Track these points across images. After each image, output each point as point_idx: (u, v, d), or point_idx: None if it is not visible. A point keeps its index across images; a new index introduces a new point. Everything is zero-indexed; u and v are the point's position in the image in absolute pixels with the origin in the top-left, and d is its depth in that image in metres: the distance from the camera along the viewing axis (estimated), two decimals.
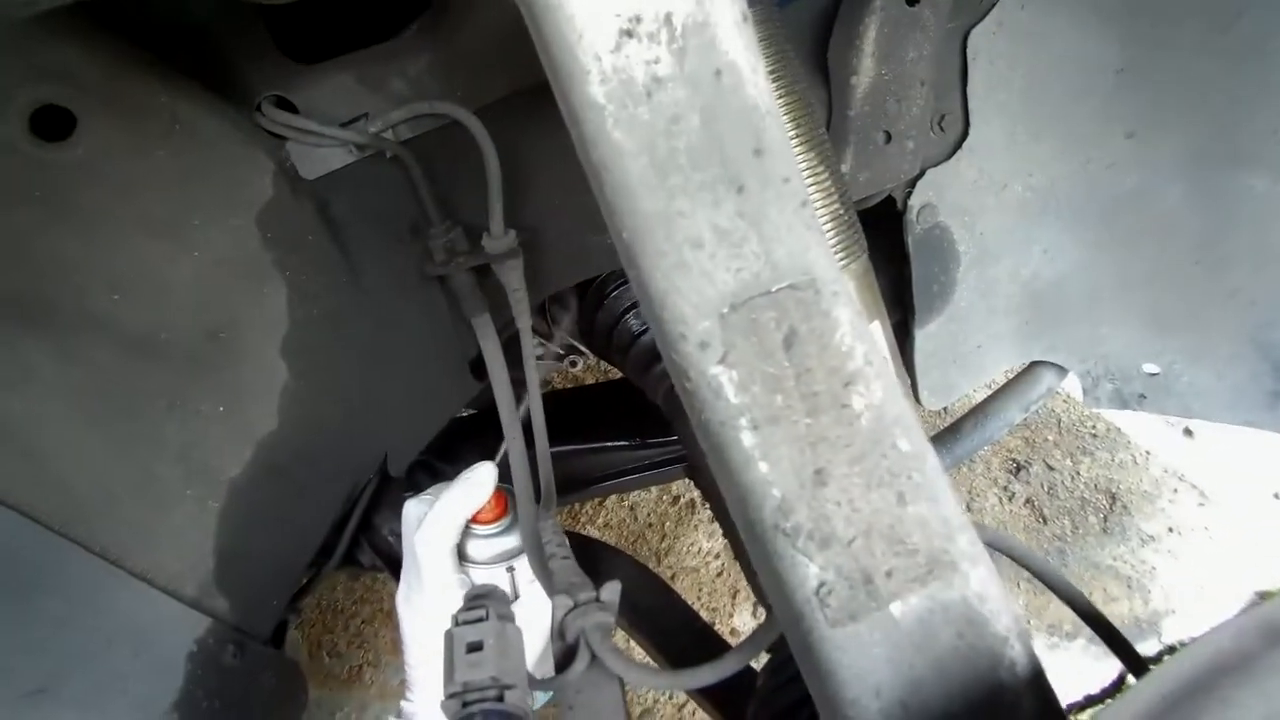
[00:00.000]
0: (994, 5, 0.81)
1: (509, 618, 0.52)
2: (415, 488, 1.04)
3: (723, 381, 0.39)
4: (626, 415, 1.13)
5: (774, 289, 0.39)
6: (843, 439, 0.39)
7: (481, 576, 0.80)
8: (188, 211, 0.72)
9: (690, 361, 0.39)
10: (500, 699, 0.45)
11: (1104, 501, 1.74)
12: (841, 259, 0.66)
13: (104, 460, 0.75)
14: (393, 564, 1.05)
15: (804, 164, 0.62)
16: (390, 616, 1.72)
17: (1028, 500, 1.78)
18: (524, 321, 0.73)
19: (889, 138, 0.78)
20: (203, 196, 0.71)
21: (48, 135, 0.61)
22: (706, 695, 0.88)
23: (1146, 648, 1.58)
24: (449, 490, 0.79)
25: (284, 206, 0.73)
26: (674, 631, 0.97)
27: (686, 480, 1.94)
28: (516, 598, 0.80)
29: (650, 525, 1.76)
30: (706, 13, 0.37)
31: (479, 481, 0.78)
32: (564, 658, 0.48)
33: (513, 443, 0.73)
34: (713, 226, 0.39)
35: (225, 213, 0.72)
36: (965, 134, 0.85)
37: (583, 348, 1.11)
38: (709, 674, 0.45)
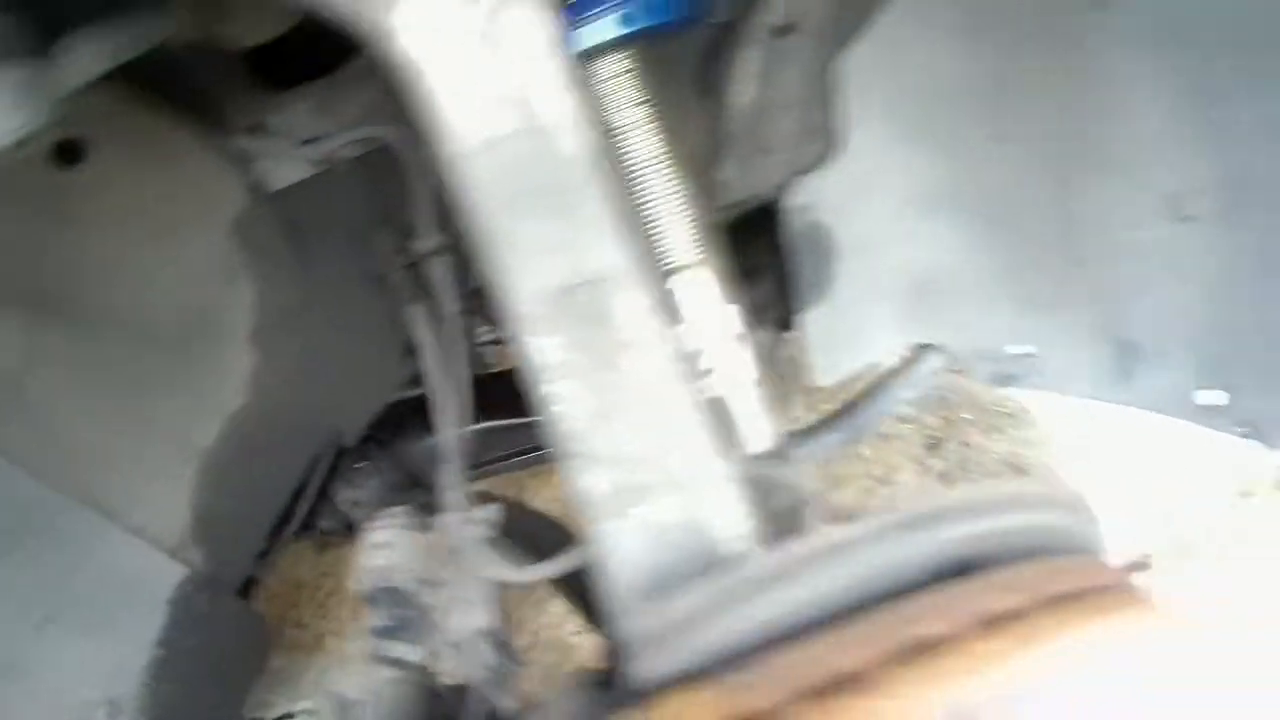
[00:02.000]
0: (859, 35, 0.92)
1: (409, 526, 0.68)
2: (366, 459, 1.19)
3: (544, 347, 0.54)
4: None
5: (585, 283, 0.55)
6: (623, 391, 0.55)
7: None
8: (174, 222, 0.88)
9: (524, 333, 0.55)
10: (397, 579, 0.61)
11: (1011, 474, 1.91)
12: (698, 251, 0.79)
13: (104, 430, 0.91)
14: (351, 530, 1.21)
15: (653, 182, 0.76)
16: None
17: (941, 474, 1.94)
18: (450, 309, 0.89)
19: (766, 150, 0.94)
20: (187, 210, 0.87)
21: (62, 160, 0.77)
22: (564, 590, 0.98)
23: None
24: None
25: (253, 216, 0.88)
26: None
27: None
28: None
29: None
30: (532, 88, 0.53)
31: None
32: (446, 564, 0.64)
33: (444, 414, 0.88)
34: (539, 239, 0.55)
35: (205, 223, 0.88)
36: (838, 143, 0.98)
37: None
38: (546, 569, 0.61)
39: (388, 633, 0.59)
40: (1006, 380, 1.18)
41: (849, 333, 1.12)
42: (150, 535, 0.97)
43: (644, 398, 0.55)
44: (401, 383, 1.03)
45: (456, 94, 0.52)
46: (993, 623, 0.42)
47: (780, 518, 0.75)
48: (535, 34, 0.52)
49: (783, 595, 0.43)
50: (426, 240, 0.86)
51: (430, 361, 0.91)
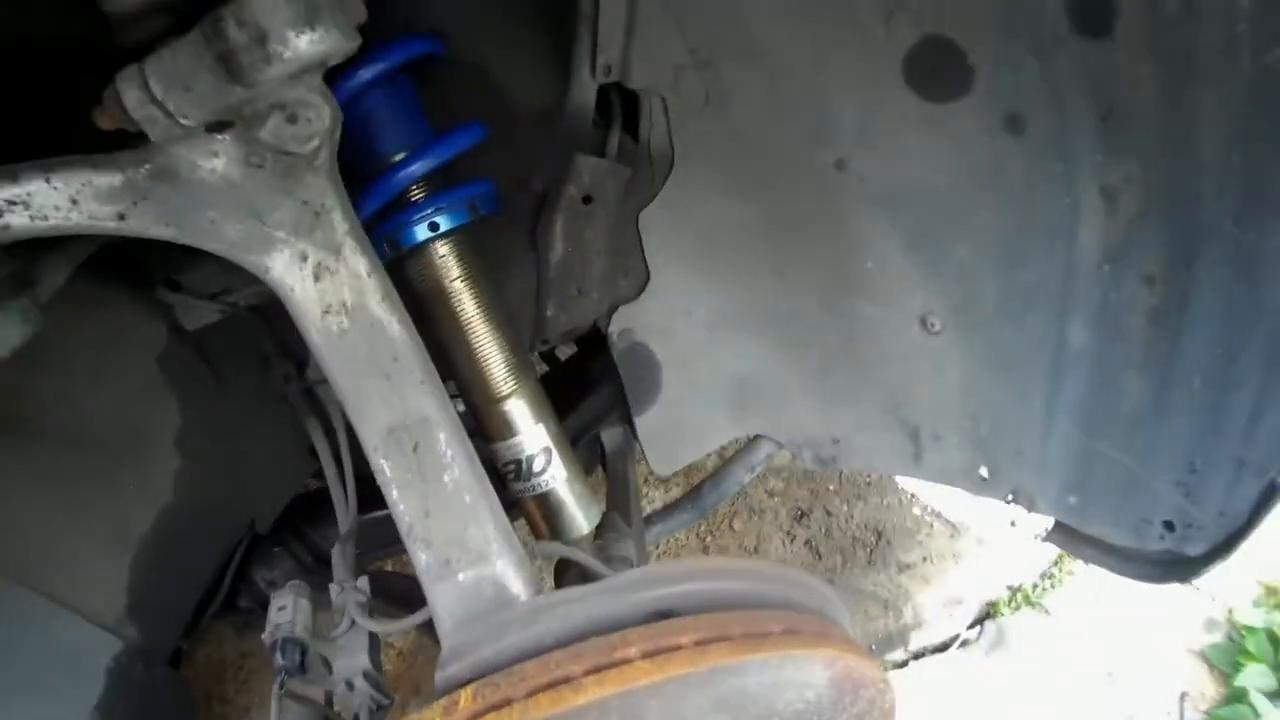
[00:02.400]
0: (657, 194, 1.15)
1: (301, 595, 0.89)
2: (281, 543, 1.39)
3: (384, 465, 0.78)
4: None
5: (407, 423, 0.79)
6: (438, 497, 0.78)
7: None
8: (108, 356, 1.09)
9: (373, 454, 0.78)
10: (293, 632, 0.82)
11: (871, 538, 2.15)
12: (511, 384, 1.04)
13: (46, 526, 1.10)
14: (264, 606, 1.40)
15: (475, 331, 1.00)
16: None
17: (807, 541, 2.17)
18: (338, 423, 1.11)
19: (580, 291, 1.18)
20: (118, 347, 1.08)
21: None
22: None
23: (895, 655, 1.98)
24: None
25: (174, 350, 1.10)
26: None
27: None
28: None
29: None
30: (363, 298, 0.77)
31: None
32: (339, 620, 0.86)
33: (337, 504, 1.10)
34: (378, 393, 0.79)
35: (133, 357, 1.09)
36: (647, 280, 1.21)
37: None
38: (406, 622, 0.82)
39: (290, 673, 0.79)
40: (827, 462, 1.36)
41: (681, 430, 1.31)
42: (89, 613, 1.15)
43: (454, 500, 0.78)
44: (306, 477, 1.25)
45: (312, 303, 0.77)
46: (660, 651, 0.65)
47: (582, 577, 0.99)
48: (359, 262, 0.77)
49: (531, 629, 0.67)
50: (315, 371, 1.09)
51: (324, 463, 1.13)
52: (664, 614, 0.69)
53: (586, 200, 1.13)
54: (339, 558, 1.01)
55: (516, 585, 0.78)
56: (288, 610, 0.85)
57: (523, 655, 0.67)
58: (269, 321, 1.11)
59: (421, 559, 0.78)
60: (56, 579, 1.11)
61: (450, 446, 0.79)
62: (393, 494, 0.78)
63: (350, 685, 0.84)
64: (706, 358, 1.29)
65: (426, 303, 1.00)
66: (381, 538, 1.34)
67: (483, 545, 0.77)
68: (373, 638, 0.88)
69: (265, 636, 0.84)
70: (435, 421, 0.79)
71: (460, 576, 0.77)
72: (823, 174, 1.13)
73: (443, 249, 0.97)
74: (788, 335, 1.27)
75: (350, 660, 0.85)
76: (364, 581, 0.90)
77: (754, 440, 1.42)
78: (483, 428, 1.05)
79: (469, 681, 0.66)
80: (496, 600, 0.76)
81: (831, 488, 2.25)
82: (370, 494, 1.07)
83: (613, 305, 1.21)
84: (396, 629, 0.86)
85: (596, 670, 0.64)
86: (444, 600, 0.77)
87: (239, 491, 1.21)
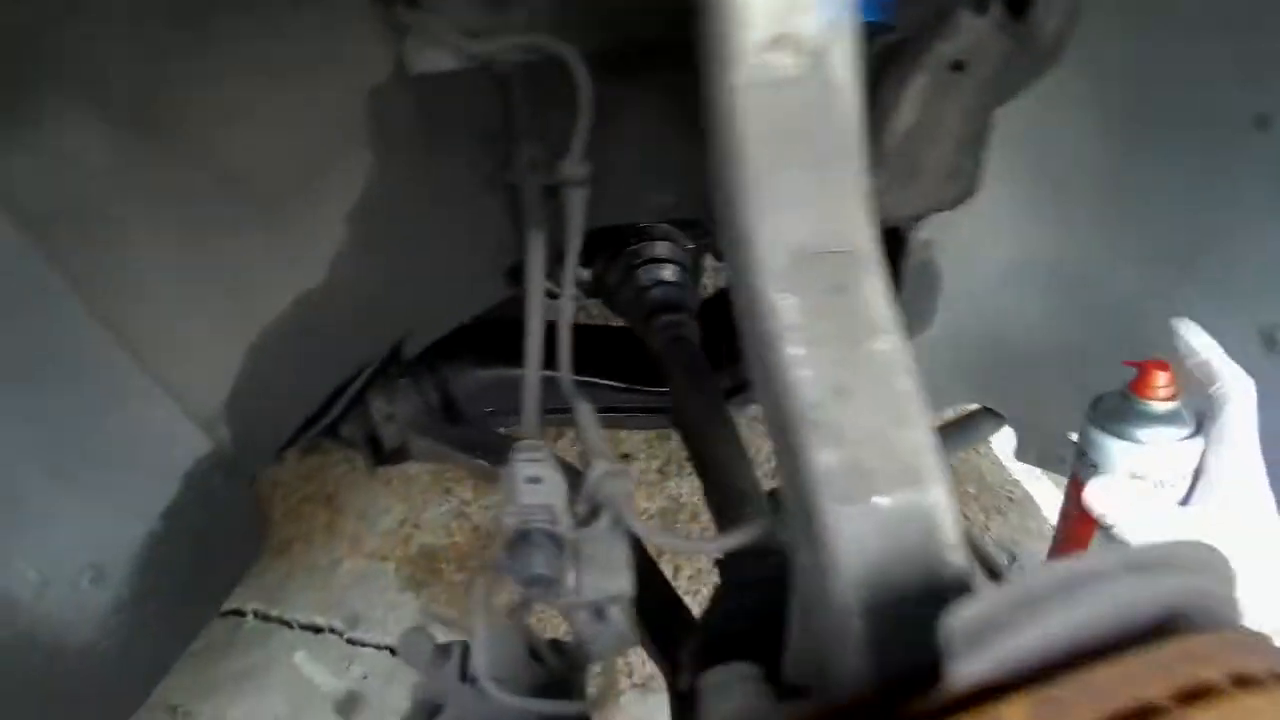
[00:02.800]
0: (1026, 86, 0.90)
1: (557, 465, 0.63)
2: (413, 378, 1.14)
3: (785, 305, 0.52)
4: (621, 359, 1.24)
5: (834, 249, 0.53)
6: (861, 368, 0.53)
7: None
8: (311, 69, 0.80)
9: (764, 286, 0.52)
10: (553, 522, 0.56)
11: (1004, 559, 1.95)
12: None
13: (171, 275, 0.83)
14: (371, 443, 1.15)
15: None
16: (330, 500, 1.80)
17: None
18: (574, 244, 0.85)
19: (914, 176, 0.93)
20: (328, 62, 0.80)
21: None
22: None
23: None
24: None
25: (391, 91, 0.82)
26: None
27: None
28: None
29: None
30: (828, 41, 0.51)
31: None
32: (588, 515, 0.60)
33: (533, 351, 0.84)
34: (799, 193, 0.53)
35: (342, 82, 0.81)
36: (974, 190, 0.98)
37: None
38: (714, 545, 0.58)
39: (544, 586, 0.54)
40: (1053, 463, 1.18)
41: (928, 377, 1.13)
42: (184, 401, 0.90)
43: (881, 382, 0.53)
44: (488, 304, 0.98)
45: (757, 28, 0.50)
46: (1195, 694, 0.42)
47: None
48: None
49: (1067, 615, 0.43)
50: (574, 167, 0.82)
51: (533, 289, 0.87)
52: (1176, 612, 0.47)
53: (956, 66, 0.86)
54: (529, 420, 0.76)
55: (948, 528, 0.54)
56: (545, 486, 0.59)
57: (1067, 653, 0.42)
58: (524, 87, 0.83)
59: (821, 459, 0.52)
60: (163, 353, 0.85)
61: (885, 305, 0.54)
62: (787, 350, 0.53)
63: (600, 614, 0.59)
64: (982, 303, 1.06)
65: None
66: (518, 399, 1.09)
67: (915, 458, 0.53)
68: (628, 548, 0.62)
69: (509, 518, 0.58)
70: (867, 261, 0.54)
71: (883, 500, 0.52)
72: (1239, 129, 0.88)
73: None
74: (1076, 304, 1.06)
75: (606, 578, 0.59)
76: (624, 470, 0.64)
77: (976, 411, 1.20)
78: None
79: (1007, 688, 0.41)
80: (925, 548, 0.52)
81: (971, 490, 2.03)
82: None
83: (933, 206, 0.96)
84: (705, 549, 0.60)
85: (1185, 698, 0.41)
86: (853, 530, 0.52)
87: (400, 299, 0.95)
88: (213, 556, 0.98)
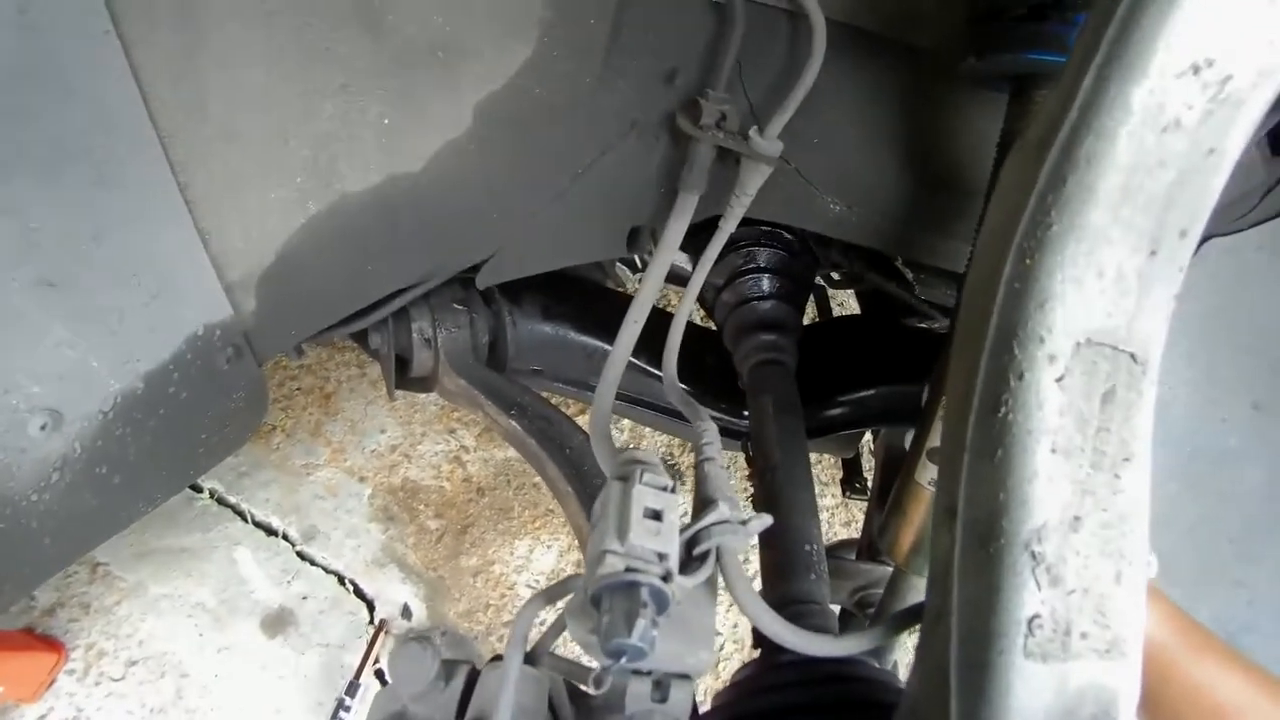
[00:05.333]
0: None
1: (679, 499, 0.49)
2: (468, 308, 1.00)
3: (1049, 396, 0.39)
4: (699, 363, 1.10)
5: (1120, 347, 0.40)
6: (1103, 502, 0.39)
7: None
8: None
9: (1033, 365, 0.39)
10: (666, 578, 0.42)
11: None
12: None
13: (243, 99, 0.69)
14: (398, 360, 1.01)
15: None
16: (327, 400, 1.67)
17: None
18: (731, 224, 0.71)
19: None
20: None
21: None
22: None
23: None
24: None
25: None
26: None
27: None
28: None
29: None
30: (1243, 94, 0.37)
31: None
32: (685, 562, 0.46)
33: (633, 325, 0.71)
34: (1118, 266, 0.39)
35: None
36: None
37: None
38: (824, 644, 0.44)
39: (618, 651, 0.40)
40: None
41: None
42: (217, 250, 0.76)
43: (1116, 525, 0.40)
44: (592, 258, 0.84)
45: (1184, 45, 0.37)
46: None
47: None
48: None
49: None
50: (769, 141, 0.68)
51: (661, 256, 0.73)
52: None
53: None
54: (607, 401, 0.62)
55: (1122, 711, 0.42)
56: (664, 526, 0.44)
57: None
58: (738, 31, 0.68)
59: (1028, 601, 0.40)
60: (213, 189, 0.71)
61: (1146, 425, 0.41)
62: (1038, 452, 0.40)
63: (663, 691, 0.45)
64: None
65: None
66: (574, 368, 0.96)
67: (1124, 628, 0.40)
68: (714, 609, 0.48)
69: (611, 556, 0.43)
70: (1148, 371, 0.41)
71: (1076, 667, 0.40)
72: None
73: None
74: (1209, 485, 0.92)
75: (687, 648, 0.45)
76: (761, 522, 0.49)
77: None
78: None
79: None
80: None
81: None
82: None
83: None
84: (811, 648, 0.47)
85: None
86: (1029, 690, 0.40)
87: (499, 219, 0.81)
88: (191, 434, 0.84)
